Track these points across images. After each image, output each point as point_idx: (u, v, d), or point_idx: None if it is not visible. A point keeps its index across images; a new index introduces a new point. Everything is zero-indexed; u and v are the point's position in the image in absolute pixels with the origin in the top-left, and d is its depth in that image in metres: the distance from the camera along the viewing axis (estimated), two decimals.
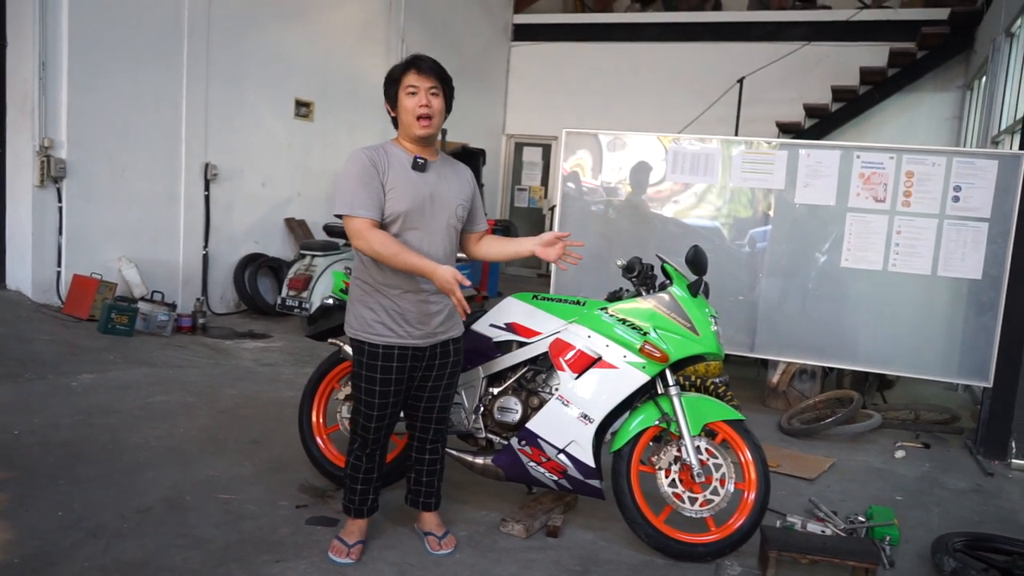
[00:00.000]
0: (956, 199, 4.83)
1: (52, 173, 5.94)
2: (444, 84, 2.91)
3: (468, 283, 2.75)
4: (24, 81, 5.93)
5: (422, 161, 2.91)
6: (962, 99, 9.47)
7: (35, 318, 5.79)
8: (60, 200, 6.06)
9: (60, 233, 6.10)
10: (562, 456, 3.20)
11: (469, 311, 2.84)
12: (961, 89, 9.50)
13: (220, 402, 4.83)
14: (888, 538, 3.40)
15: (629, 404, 3.28)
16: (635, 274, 3.33)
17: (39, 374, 4.90)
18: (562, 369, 3.25)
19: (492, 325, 3.47)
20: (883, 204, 4.96)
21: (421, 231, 2.90)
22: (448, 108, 2.96)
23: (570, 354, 3.25)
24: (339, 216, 2.87)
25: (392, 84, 2.92)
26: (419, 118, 2.85)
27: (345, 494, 3.12)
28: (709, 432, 3.24)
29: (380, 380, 2.93)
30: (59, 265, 6.14)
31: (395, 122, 2.98)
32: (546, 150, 12.38)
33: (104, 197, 6.35)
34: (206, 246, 7.24)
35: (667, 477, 3.21)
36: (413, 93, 2.86)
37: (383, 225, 2.86)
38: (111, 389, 4.83)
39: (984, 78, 7.86)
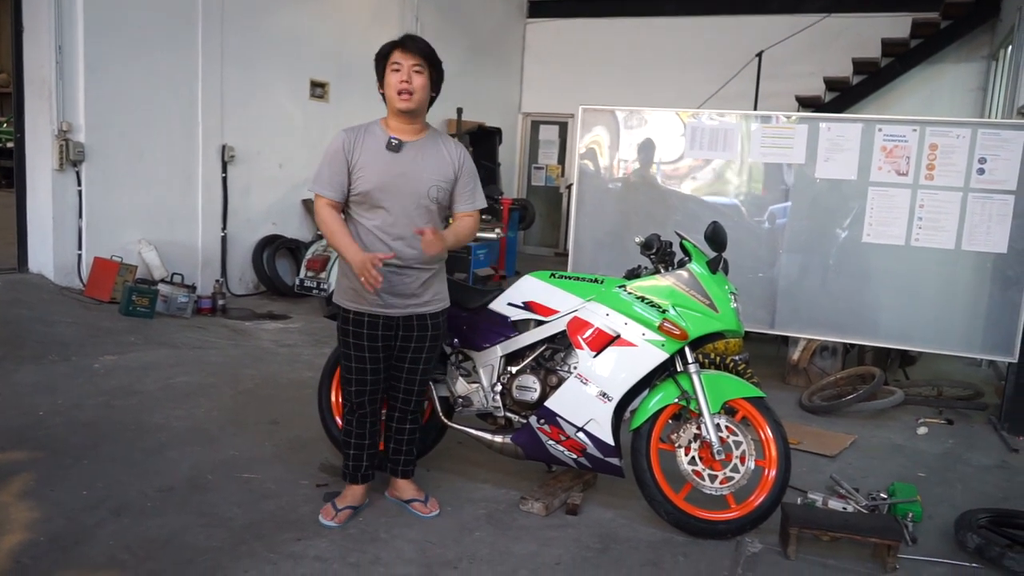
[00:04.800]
0: (981, 171, 4.75)
1: (71, 157, 5.97)
2: (430, 64, 2.98)
3: (388, 256, 2.87)
4: (41, 66, 5.95)
5: (396, 142, 2.98)
6: (987, 70, 9.26)
7: (57, 301, 5.85)
8: (79, 183, 6.09)
9: (80, 216, 6.14)
10: (581, 434, 3.20)
11: (377, 286, 2.83)
12: (986, 59, 9.29)
13: (240, 383, 4.87)
14: (911, 515, 3.37)
15: (648, 382, 3.27)
16: (653, 251, 3.29)
17: (62, 356, 4.95)
18: (580, 347, 3.24)
19: (510, 304, 3.45)
20: (906, 178, 4.88)
21: (388, 211, 2.97)
22: (435, 89, 3.03)
23: (588, 332, 3.24)
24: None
25: (380, 61, 3.02)
26: (399, 92, 2.92)
27: (343, 460, 3.24)
28: (729, 410, 3.22)
29: (354, 345, 3.05)
30: (80, 248, 6.18)
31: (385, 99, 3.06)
32: (563, 128, 12.27)
33: (123, 180, 6.37)
34: (224, 228, 7.27)
35: (687, 455, 3.20)
36: (397, 70, 2.94)
37: (354, 202, 2.98)
38: (133, 370, 4.88)
39: (1010, 48, 7.67)
